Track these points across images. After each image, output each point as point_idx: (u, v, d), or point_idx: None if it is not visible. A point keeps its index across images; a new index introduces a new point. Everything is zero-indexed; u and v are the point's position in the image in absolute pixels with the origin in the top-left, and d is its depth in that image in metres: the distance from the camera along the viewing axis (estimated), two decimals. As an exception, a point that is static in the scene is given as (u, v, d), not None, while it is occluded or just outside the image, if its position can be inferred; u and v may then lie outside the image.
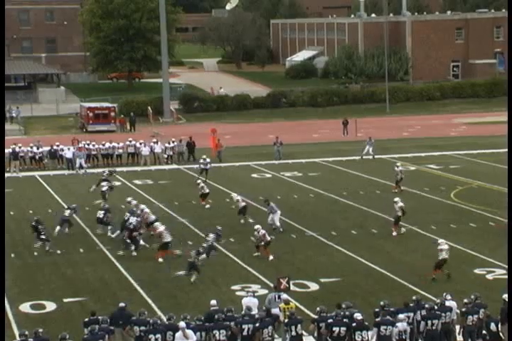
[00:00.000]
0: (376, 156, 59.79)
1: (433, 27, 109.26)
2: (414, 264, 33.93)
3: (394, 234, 38.88)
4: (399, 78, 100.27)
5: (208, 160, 53.42)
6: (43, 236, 36.78)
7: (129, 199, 41.26)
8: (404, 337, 24.18)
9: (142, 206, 39.32)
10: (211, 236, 34.71)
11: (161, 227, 35.54)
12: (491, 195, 47.02)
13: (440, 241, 32.38)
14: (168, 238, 35.14)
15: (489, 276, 32.15)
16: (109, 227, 38.91)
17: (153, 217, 38.37)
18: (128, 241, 36.17)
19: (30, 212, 44.48)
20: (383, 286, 31.05)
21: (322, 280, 31.92)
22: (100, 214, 39.40)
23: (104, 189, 45.52)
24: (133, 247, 35.97)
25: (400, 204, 38.90)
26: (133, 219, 36.62)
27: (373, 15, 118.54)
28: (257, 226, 35.07)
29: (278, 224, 39.32)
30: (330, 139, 69.97)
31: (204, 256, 33.22)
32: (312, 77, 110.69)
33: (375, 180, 52.45)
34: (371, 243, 37.22)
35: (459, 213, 42.71)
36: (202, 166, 53.24)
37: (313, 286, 31.28)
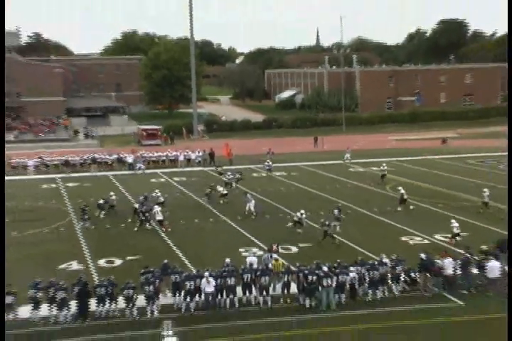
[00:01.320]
0: (338, 162, 59.83)
1: (374, 75, 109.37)
2: (361, 235, 33.92)
3: (399, 209, 39.35)
4: (351, 110, 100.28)
5: (271, 163, 55.53)
6: (86, 216, 36.66)
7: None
8: (353, 282, 24.28)
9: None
10: (335, 211, 34.44)
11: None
12: (414, 187, 46.69)
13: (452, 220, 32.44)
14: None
15: (411, 242, 32.13)
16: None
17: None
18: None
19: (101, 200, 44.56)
20: (341, 249, 30.99)
21: (300, 245, 31.92)
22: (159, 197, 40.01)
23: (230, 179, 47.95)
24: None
25: (402, 191, 39.99)
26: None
27: (334, 67, 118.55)
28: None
29: (253, 209, 38.33)
30: (306, 150, 69.88)
31: (334, 224, 33.08)
32: (293, 108, 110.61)
33: (336, 178, 52.43)
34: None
35: (392, 200, 42.71)
36: (266, 167, 55.18)
37: (294, 249, 31.26)
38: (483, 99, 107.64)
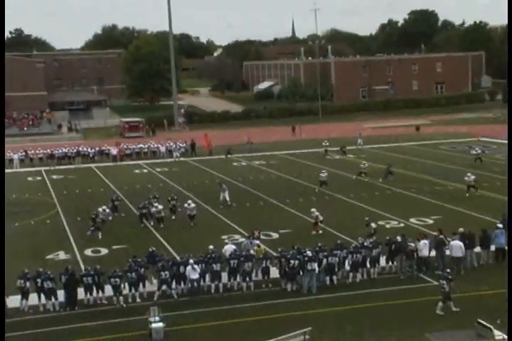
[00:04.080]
0: (315, 150, 59.97)
1: (348, 65, 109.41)
2: (338, 220, 34.06)
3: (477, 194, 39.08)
4: (327, 99, 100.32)
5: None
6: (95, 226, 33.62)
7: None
8: (335, 265, 24.37)
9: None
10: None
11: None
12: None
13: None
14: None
15: (387, 226, 32.35)
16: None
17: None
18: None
19: (89, 189, 44.45)
20: (319, 234, 31.10)
21: (281, 231, 32.01)
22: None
23: None
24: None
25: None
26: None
27: (310, 58, 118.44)
28: (313, 209, 32.05)
29: (228, 199, 38.08)
30: (284, 139, 69.91)
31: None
32: (271, 99, 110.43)
33: (313, 165, 52.58)
34: (311, 206, 37.36)
35: (368, 186, 42.90)
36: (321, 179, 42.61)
37: (275, 235, 31.34)
38: (454, 86, 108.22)
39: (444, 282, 21.48)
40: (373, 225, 29.18)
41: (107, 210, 34.65)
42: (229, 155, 57.29)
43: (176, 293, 23.49)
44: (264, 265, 24.45)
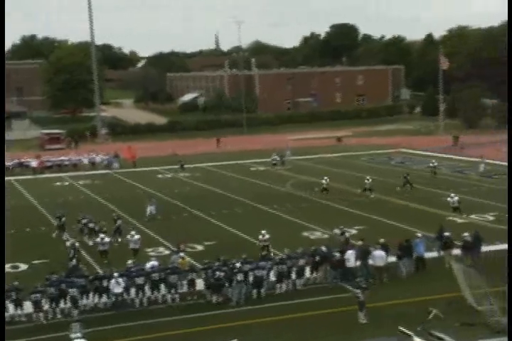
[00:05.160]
0: (240, 162, 60.11)
1: (272, 78, 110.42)
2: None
3: (372, 196, 41.43)
4: (252, 111, 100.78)
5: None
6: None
7: None
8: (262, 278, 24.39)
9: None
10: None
11: None
12: (312, 185, 47.22)
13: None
14: None
15: (312, 237, 32.56)
16: None
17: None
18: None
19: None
20: (244, 246, 30.99)
21: (206, 243, 31.88)
22: None
23: None
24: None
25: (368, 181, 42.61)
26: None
27: (235, 70, 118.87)
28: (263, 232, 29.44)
29: (154, 212, 37.73)
30: (209, 151, 69.78)
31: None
32: (196, 111, 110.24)
33: (238, 177, 52.72)
34: (237, 217, 37.47)
35: (292, 197, 43.25)
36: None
37: (200, 247, 31.20)
38: (374, 99, 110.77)
39: (359, 291, 21.85)
40: (346, 234, 29.32)
41: (106, 239, 29.85)
42: (180, 169, 55.74)
43: (100, 307, 23.02)
44: (189, 277, 24.30)
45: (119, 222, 33.20)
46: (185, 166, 57.19)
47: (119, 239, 32.08)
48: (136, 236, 29.74)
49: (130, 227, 33.41)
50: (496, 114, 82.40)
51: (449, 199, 36.81)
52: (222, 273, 23.72)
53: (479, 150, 58.77)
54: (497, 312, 20.88)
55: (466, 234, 27.35)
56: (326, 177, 44.30)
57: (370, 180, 43.52)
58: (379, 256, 25.53)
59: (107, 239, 29.46)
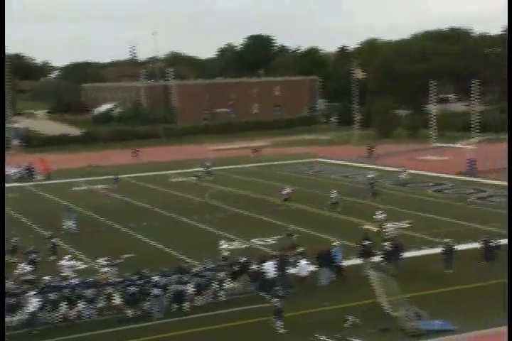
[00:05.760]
0: (157, 173, 59.68)
1: (189, 88, 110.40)
2: (181, 243, 33.98)
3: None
4: (170, 122, 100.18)
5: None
6: None
7: None
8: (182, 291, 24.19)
9: None
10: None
11: None
12: (231, 195, 47.62)
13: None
14: None
15: (231, 247, 32.20)
16: None
17: None
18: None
19: None
20: (163, 258, 30.81)
21: (124, 255, 31.36)
22: None
23: None
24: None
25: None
26: None
27: (152, 80, 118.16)
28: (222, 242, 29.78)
29: (74, 227, 37.24)
30: (125, 162, 68.47)
31: None
32: (112, 121, 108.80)
33: (155, 188, 52.29)
34: (156, 229, 37.13)
35: (210, 207, 43.26)
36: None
37: (119, 260, 30.67)
38: (291, 109, 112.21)
39: (276, 300, 22.04)
40: (294, 237, 29.61)
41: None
42: (115, 183, 54.39)
43: (13, 324, 22.33)
44: (107, 291, 23.90)
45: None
46: (99, 177, 56.29)
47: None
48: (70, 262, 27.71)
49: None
50: (408, 124, 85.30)
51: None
52: (135, 288, 23.48)
53: (394, 160, 60.36)
54: (413, 317, 21.48)
55: (386, 243, 28.04)
56: (287, 189, 44.74)
57: (289, 189, 44.23)
58: (303, 266, 25.89)
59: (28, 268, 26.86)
